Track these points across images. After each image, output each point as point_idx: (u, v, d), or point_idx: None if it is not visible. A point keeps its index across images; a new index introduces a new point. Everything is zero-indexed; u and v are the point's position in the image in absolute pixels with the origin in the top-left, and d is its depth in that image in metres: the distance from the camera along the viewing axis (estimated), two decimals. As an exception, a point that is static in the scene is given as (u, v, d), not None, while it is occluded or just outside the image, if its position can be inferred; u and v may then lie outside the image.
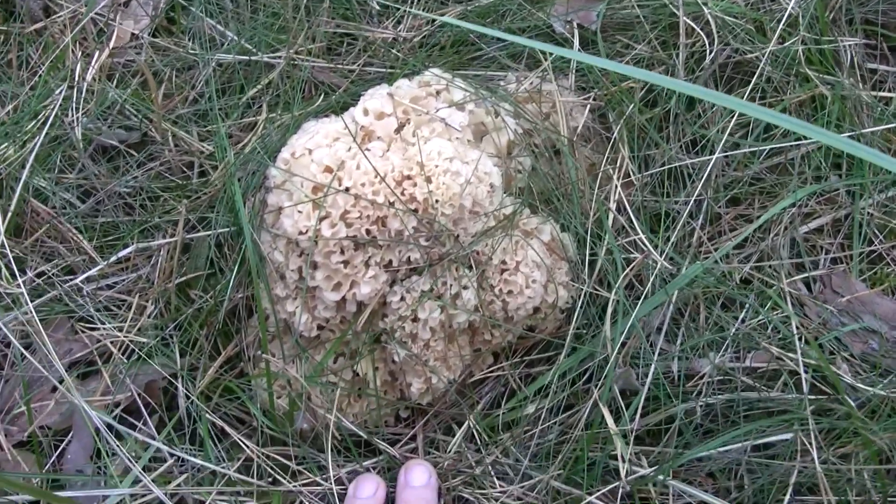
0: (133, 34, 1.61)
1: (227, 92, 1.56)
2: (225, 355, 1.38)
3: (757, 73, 1.49)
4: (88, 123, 1.50)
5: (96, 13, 1.64)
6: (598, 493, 1.28)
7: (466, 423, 1.36)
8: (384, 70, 1.53)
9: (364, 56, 1.55)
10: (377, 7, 1.61)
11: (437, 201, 1.23)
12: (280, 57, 1.52)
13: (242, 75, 1.54)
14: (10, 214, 1.39)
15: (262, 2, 1.59)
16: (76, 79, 1.51)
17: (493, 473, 1.31)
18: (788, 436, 1.28)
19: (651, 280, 1.37)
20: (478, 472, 1.31)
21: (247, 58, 1.53)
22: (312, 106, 1.45)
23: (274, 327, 1.33)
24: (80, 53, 1.57)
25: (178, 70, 1.59)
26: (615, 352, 1.30)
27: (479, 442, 1.35)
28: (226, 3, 1.60)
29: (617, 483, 1.28)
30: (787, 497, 1.27)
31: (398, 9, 1.60)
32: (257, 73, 1.54)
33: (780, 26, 1.49)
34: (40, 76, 1.55)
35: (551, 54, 1.45)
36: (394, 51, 1.56)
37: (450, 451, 1.35)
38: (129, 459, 1.26)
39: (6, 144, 1.45)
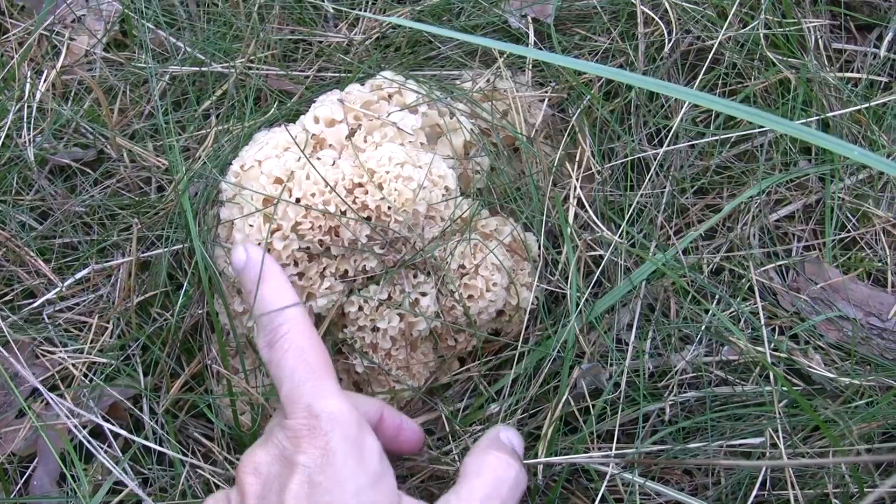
0: (86, 50, 1.59)
1: (183, 104, 1.53)
2: (188, 373, 1.35)
3: (709, 59, 1.46)
4: (43, 143, 1.48)
5: (49, 30, 1.61)
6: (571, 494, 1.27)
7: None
8: (339, 75, 1.50)
9: (318, 61, 1.52)
10: (331, 10, 1.58)
11: (389, 208, 1.21)
12: (233, 66, 1.49)
13: (197, 87, 1.51)
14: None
15: (216, 11, 1.56)
16: (26, 97, 1.49)
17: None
18: (758, 440, 1.26)
19: (619, 274, 1.34)
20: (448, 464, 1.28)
21: (200, 69, 1.50)
22: (264, 116, 1.42)
23: (235, 343, 1.31)
24: (31, 72, 1.55)
25: (133, 84, 1.57)
26: (571, 346, 1.27)
27: (450, 441, 1.32)
28: (178, 14, 1.57)
29: (587, 483, 1.26)
30: (754, 492, 1.25)
31: (350, 12, 1.57)
32: (212, 84, 1.51)
33: (735, 8, 1.46)
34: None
35: (503, 52, 1.42)
36: (348, 55, 1.53)
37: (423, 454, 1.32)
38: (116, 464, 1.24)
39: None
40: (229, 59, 1.51)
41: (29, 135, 1.46)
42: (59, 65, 1.51)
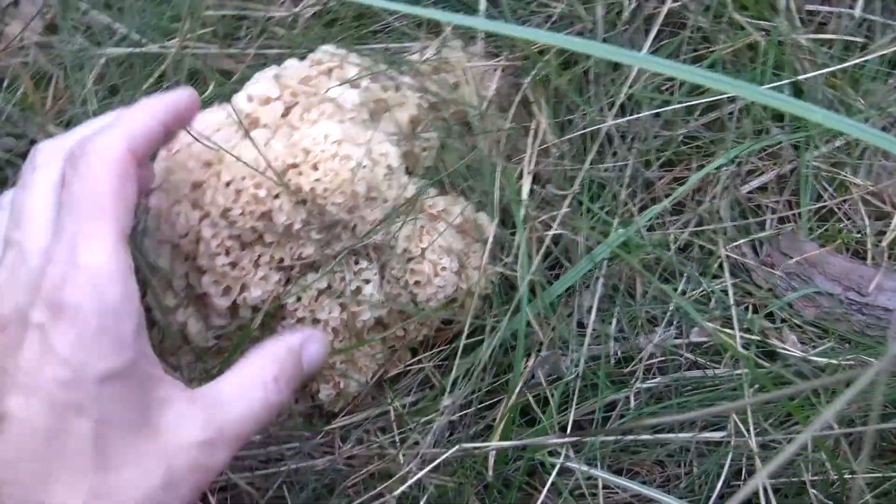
0: (18, 36, 1.51)
1: (123, 87, 1.45)
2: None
3: (670, 23, 1.37)
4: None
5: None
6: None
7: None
8: (281, 51, 1.42)
9: (261, 39, 1.44)
10: (275, -18, 1.50)
11: (325, 189, 1.12)
12: (169, 47, 1.41)
13: (135, 69, 1.43)
14: None
15: (151, -12, 1.48)
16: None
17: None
18: (720, 434, 1.18)
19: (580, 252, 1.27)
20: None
21: (135, 50, 1.42)
22: (203, 97, 1.34)
23: (171, 340, 1.23)
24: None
25: (72, 69, 1.48)
26: (524, 333, 1.19)
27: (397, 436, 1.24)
28: (113, -7, 1.49)
29: (548, 477, 1.18)
30: (720, 483, 1.17)
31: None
32: (150, 65, 1.43)
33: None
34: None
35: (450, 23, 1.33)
36: (293, 31, 1.44)
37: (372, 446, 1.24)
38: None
39: None
40: (167, 38, 1.43)
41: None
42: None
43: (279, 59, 1.39)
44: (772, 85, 1.34)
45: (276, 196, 1.13)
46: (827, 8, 1.52)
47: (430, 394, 1.26)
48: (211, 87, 1.37)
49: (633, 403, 1.23)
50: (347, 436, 1.25)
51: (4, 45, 1.49)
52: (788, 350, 1.24)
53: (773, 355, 1.27)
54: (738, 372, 1.23)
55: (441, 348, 1.28)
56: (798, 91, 1.40)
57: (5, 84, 1.46)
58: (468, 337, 1.24)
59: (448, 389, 1.22)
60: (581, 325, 1.28)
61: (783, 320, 1.31)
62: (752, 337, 1.25)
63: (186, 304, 1.19)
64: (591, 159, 1.30)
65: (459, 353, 1.21)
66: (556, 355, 1.22)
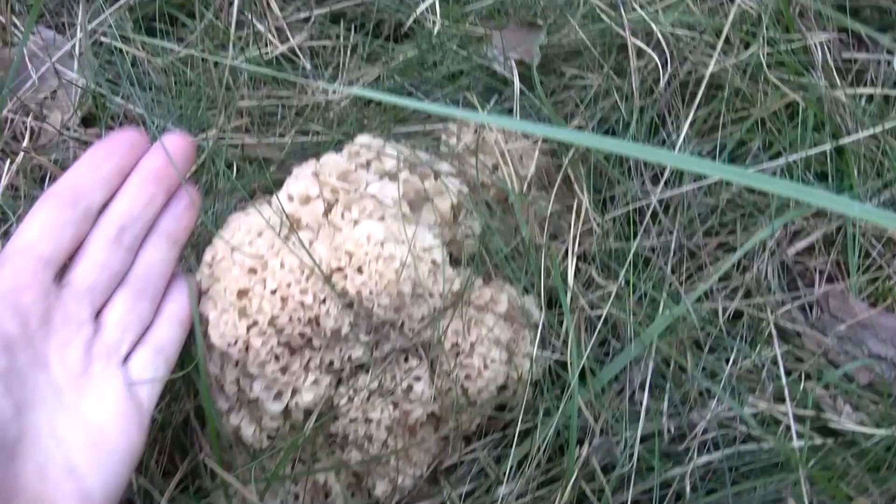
0: (59, 131, 1.51)
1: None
2: (181, 472, 1.28)
3: (708, 86, 1.36)
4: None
5: (17, 109, 1.54)
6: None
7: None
8: (318, 139, 1.42)
9: (298, 122, 1.44)
10: (308, 67, 1.50)
11: (371, 292, 1.12)
12: (207, 138, 1.41)
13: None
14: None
15: (187, 80, 1.48)
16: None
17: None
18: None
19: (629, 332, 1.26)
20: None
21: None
22: (240, 189, 1.34)
23: (224, 441, 1.24)
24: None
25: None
26: (575, 423, 1.19)
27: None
28: (149, 86, 1.50)
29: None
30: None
31: (325, 71, 1.49)
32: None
33: (727, 28, 1.36)
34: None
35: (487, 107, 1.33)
36: (329, 113, 1.44)
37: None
38: None
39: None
40: (204, 129, 1.43)
41: (7, 224, 1.39)
42: (23, 146, 1.44)
43: (317, 146, 1.39)
44: (812, 151, 1.32)
45: (323, 301, 1.13)
46: (864, 55, 1.50)
47: (485, 483, 1.26)
48: (250, 180, 1.37)
49: (688, 482, 1.22)
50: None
51: (46, 139, 1.49)
52: (844, 425, 1.23)
53: (826, 427, 1.26)
54: (794, 444, 1.21)
55: (494, 436, 1.28)
56: (839, 150, 1.38)
57: (47, 182, 1.46)
58: (521, 423, 1.24)
59: (505, 479, 1.22)
60: (632, 401, 1.27)
61: (836, 386, 1.29)
62: (807, 412, 1.24)
63: (239, 407, 1.20)
64: (636, 238, 1.29)
65: (515, 443, 1.21)
66: (608, 442, 1.21)
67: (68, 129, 1.49)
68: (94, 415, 1.03)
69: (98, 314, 1.10)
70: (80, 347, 1.05)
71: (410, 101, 0.91)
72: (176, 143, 1.17)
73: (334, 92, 1.41)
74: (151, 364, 1.11)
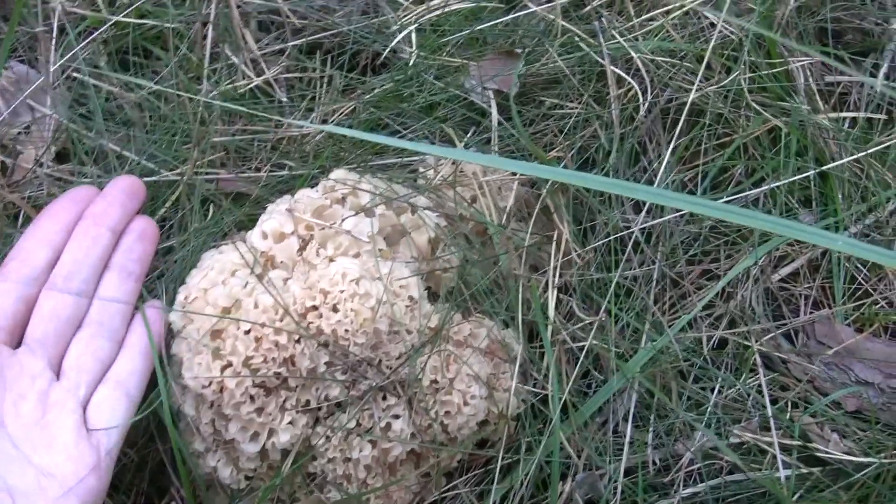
0: (32, 167, 1.49)
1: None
2: (160, 512, 1.26)
3: (689, 113, 1.34)
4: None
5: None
6: None
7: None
8: (294, 173, 1.40)
9: (274, 156, 1.42)
10: (284, 99, 1.48)
11: (346, 331, 1.10)
12: (182, 173, 1.39)
13: (150, 195, 1.41)
14: None
15: (160, 115, 1.46)
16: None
17: None
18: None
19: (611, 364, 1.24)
20: None
21: (149, 179, 1.40)
22: (215, 225, 1.32)
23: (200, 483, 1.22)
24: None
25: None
26: (557, 458, 1.17)
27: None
28: (123, 121, 1.47)
29: None
30: None
31: (301, 103, 1.47)
32: (163, 193, 1.42)
33: (709, 53, 1.34)
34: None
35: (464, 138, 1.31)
36: (305, 146, 1.42)
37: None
38: None
39: None
40: (179, 163, 1.41)
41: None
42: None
43: (293, 180, 1.37)
44: (796, 178, 1.31)
45: (298, 340, 1.11)
46: (846, 78, 1.48)
47: (468, 521, 1.24)
48: (221, 216, 1.35)
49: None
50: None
51: (20, 175, 1.47)
52: (832, 454, 1.21)
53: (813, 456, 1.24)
54: (781, 475, 1.20)
55: (476, 472, 1.26)
56: (823, 175, 1.37)
57: (21, 220, 1.44)
58: (503, 458, 1.22)
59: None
60: (616, 432, 1.26)
61: (822, 414, 1.28)
62: (793, 442, 1.22)
63: (215, 448, 1.18)
64: (618, 268, 1.27)
65: (496, 479, 1.19)
66: (592, 476, 1.20)
67: (41, 165, 1.46)
68: (47, 462, 1.04)
69: (59, 365, 1.12)
70: (34, 399, 1.07)
71: (383, 138, 0.90)
72: (120, 183, 1.22)
73: (312, 120, 1.40)
74: (109, 400, 1.11)
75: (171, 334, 1.20)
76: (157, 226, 1.25)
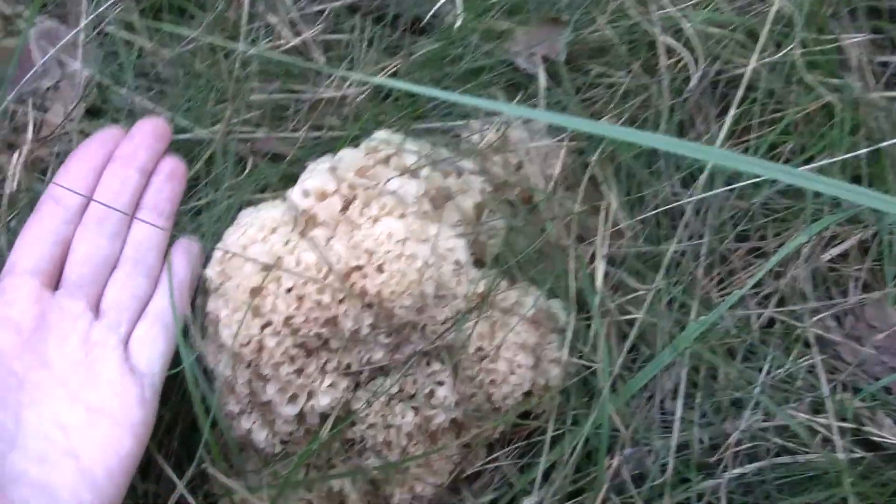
0: (61, 123, 1.45)
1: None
2: (187, 477, 1.21)
3: (743, 87, 1.30)
4: (17, 227, 1.35)
5: (23, 99, 1.48)
6: None
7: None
8: (333, 133, 1.36)
9: (312, 117, 1.38)
10: (322, 61, 1.44)
11: (392, 292, 1.07)
12: (216, 131, 1.35)
13: (182, 154, 1.37)
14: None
15: (195, 72, 1.42)
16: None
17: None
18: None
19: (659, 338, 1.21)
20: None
21: (183, 136, 1.36)
22: (251, 184, 1.29)
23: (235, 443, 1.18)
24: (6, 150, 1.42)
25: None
26: (607, 432, 1.13)
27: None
28: (156, 77, 1.44)
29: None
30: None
31: (335, 71, 1.43)
32: (197, 150, 1.38)
33: (767, 28, 1.30)
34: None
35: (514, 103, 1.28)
36: (345, 108, 1.38)
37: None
38: None
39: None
40: (214, 121, 1.37)
41: (5, 220, 1.33)
42: (28, 140, 1.38)
43: (332, 142, 1.33)
44: (848, 156, 1.27)
45: (341, 301, 1.07)
46: (897, 58, 1.45)
47: (508, 493, 1.20)
48: (259, 175, 1.31)
49: (724, 494, 1.17)
50: (424, 539, 1.20)
51: (48, 132, 1.44)
52: (888, 438, 1.18)
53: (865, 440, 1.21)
54: (841, 456, 1.16)
55: (517, 444, 1.22)
56: (875, 154, 1.33)
57: (49, 175, 1.40)
58: (544, 432, 1.18)
59: (535, 487, 1.16)
60: (663, 410, 1.22)
61: (874, 398, 1.24)
62: (846, 425, 1.19)
63: (250, 410, 1.14)
64: (669, 242, 1.23)
65: (545, 451, 1.15)
66: (640, 452, 1.16)
67: (71, 120, 1.42)
68: (94, 398, 1.06)
69: (98, 305, 1.14)
70: (77, 339, 1.09)
71: (438, 92, 0.85)
72: (146, 125, 1.23)
73: (350, 85, 1.36)
74: (149, 335, 1.13)
75: (205, 292, 1.16)
76: (185, 165, 1.26)
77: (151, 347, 1.12)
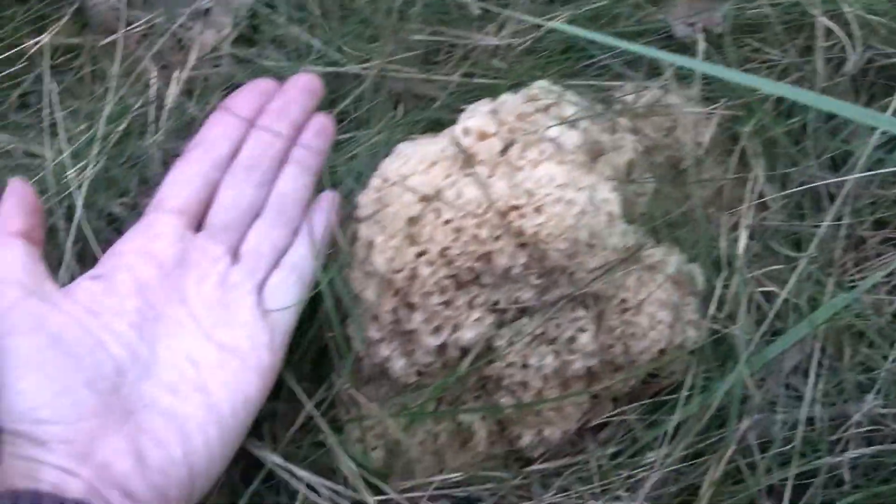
0: (213, 46, 1.49)
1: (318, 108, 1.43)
2: (315, 398, 1.24)
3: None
4: (166, 143, 1.38)
5: (176, 23, 1.51)
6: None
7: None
8: (485, 81, 1.38)
9: (464, 66, 1.40)
10: (478, 11, 1.46)
11: (548, 234, 1.08)
12: (370, 68, 1.38)
13: (330, 88, 1.40)
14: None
15: (352, 7, 1.45)
16: (153, 96, 1.39)
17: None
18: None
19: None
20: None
21: (335, 69, 1.39)
22: (405, 122, 1.31)
23: (368, 371, 1.20)
24: (157, 68, 1.45)
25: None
26: (739, 396, 1.14)
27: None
28: (312, 10, 1.46)
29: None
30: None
31: (500, 13, 1.45)
32: (347, 86, 1.40)
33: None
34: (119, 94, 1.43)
35: (672, 64, 1.29)
36: (497, 60, 1.40)
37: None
38: None
39: (78, 166, 1.33)
40: (366, 58, 1.40)
41: (156, 136, 1.36)
42: (190, 60, 1.41)
43: (481, 90, 1.35)
44: None
45: (498, 237, 1.09)
46: None
47: (632, 447, 1.22)
48: (413, 114, 1.34)
49: (847, 471, 1.18)
50: (546, 483, 1.21)
51: (200, 54, 1.47)
52: None
53: None
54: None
55: (644, 402, 1.23)
56: None
57: (194, 98, 1.43)
58: (671, 392, 1.20)
59: (663, 443, 1.18)
60: (786, 385, 1.23)
61: None
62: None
63: (391, 338, 1.16)
64: (819, 218, 1.25)
65: (680, 406, 1.17)
66: (769, 419, 1.17)
67: (222, 47, 1.46)
68: (227, 338, 1.09)
69: (237, 250, 1.17)
70: (215, 280, 1.12)
71: (613, 40, 0.87)
72: (300, 81, 1.24)
73: (511, 35, 1.38)
74: (284, 283, 1.16)
75: (356, 218, 1.19)
76: (335, 121, 1.27)
77: (285, 296, 1.15)
